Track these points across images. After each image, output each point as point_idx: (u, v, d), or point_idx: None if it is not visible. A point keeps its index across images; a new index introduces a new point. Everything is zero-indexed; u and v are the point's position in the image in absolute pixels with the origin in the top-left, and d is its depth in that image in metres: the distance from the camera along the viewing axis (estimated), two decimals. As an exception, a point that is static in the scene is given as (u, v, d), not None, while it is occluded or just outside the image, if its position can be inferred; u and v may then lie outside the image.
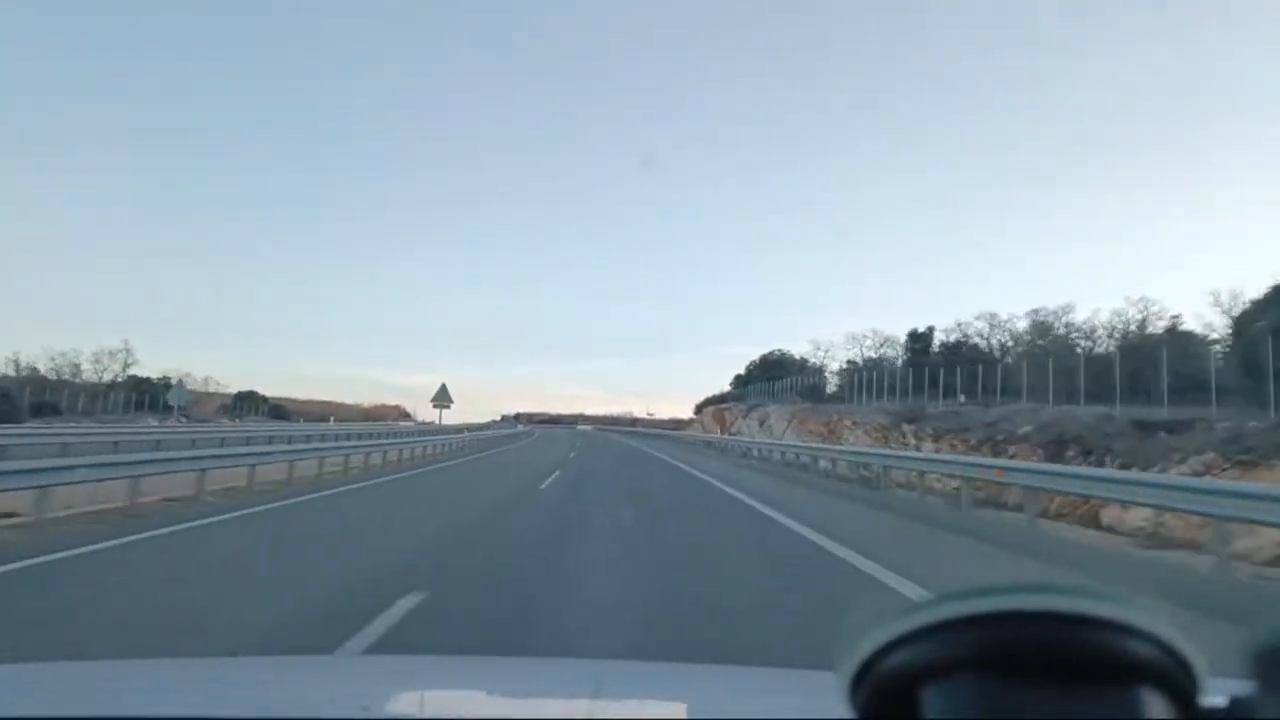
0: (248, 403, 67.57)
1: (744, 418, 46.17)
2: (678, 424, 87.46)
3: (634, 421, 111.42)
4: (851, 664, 0.51)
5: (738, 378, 68.07)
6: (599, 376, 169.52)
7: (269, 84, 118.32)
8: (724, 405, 56.78)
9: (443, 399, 36.92)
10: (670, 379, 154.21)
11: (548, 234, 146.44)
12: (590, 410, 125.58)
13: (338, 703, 1.33)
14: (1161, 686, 0.47)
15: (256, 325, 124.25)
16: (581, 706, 1.32)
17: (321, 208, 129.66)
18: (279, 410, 67.61)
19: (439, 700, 1.49)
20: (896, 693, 0.50)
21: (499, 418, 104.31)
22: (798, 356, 61.31)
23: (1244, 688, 0.50)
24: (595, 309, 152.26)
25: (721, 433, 48.93)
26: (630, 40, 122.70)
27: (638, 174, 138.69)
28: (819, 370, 53.21)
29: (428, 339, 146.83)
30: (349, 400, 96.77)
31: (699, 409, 69.55)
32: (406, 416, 79.58)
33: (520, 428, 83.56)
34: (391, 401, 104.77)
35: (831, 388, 47.40)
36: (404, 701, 1.43)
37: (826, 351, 54.02)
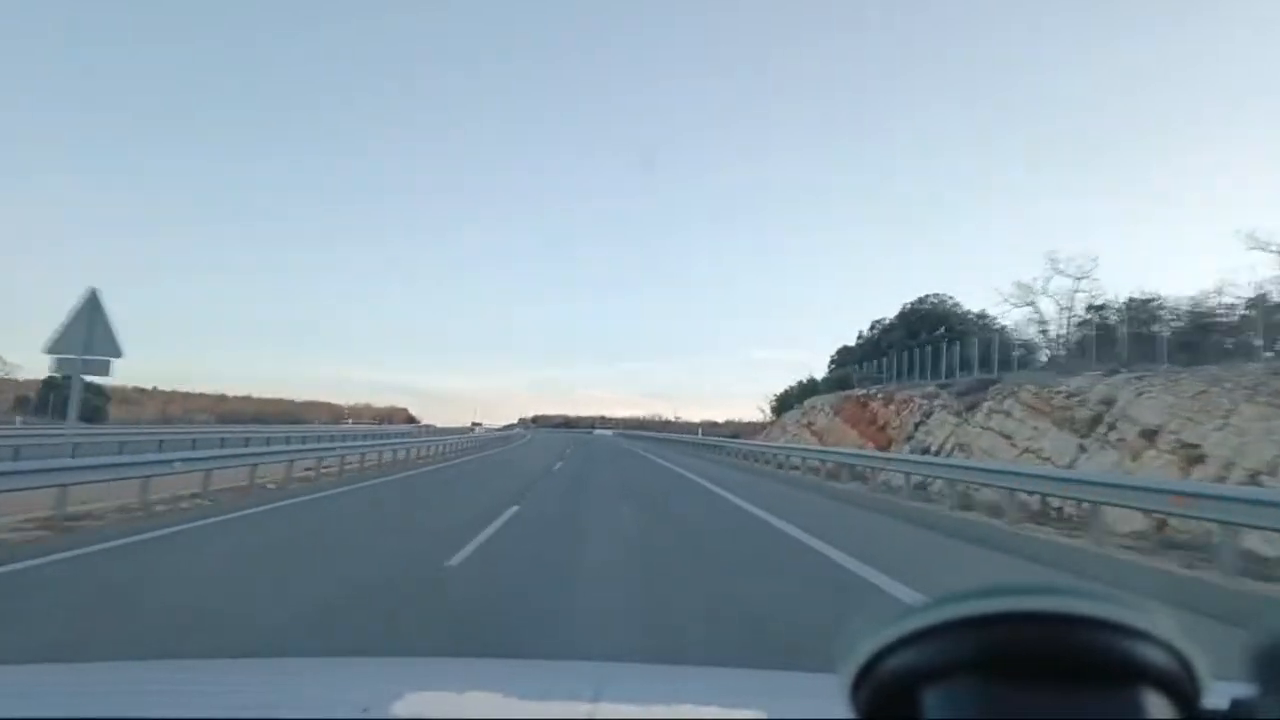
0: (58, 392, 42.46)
1: (961, 414, 19.46)
2: (715, 429, 62.31)
3: (665, 425, 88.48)
4: (853, 665, 0.51)
5: (844, 351, 41.75)
6: (627, 380, 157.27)
7: (264, 81, 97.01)
8: (857, 394, 29.86)
9: (74, 346, 10.96)
10: (702, 382, 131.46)
11: (569, 237, 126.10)
12: (619, 413, 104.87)
13: (337, 703, 1.31)
14: (1163, 688, 0.47)
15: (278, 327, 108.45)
16: (582, 708, 1.21)
17: (334, 205, 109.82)
18: (93, 407, 41.72)
19: (438, 701, 1.47)
20: (898, 694, 0.49)
21: (515, 421, 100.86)
22: (966, 309, 35.91)
23: (1245, 689, 0.49)
24: (624, 313, 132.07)
25: (875, 445, 22.77)
26: (636, 40, 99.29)
27: (661, 176, 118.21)
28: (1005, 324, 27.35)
29: (455, 343, 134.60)
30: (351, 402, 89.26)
31: (781, 405, 42.87)
32: (411, 420, 75.13)
33: (516, 430, 72.34)
34: (403, 403, 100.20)
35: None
36: (403, 702, 1.38)
37: (1073, 269, 26.66)
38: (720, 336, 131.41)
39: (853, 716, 0.52)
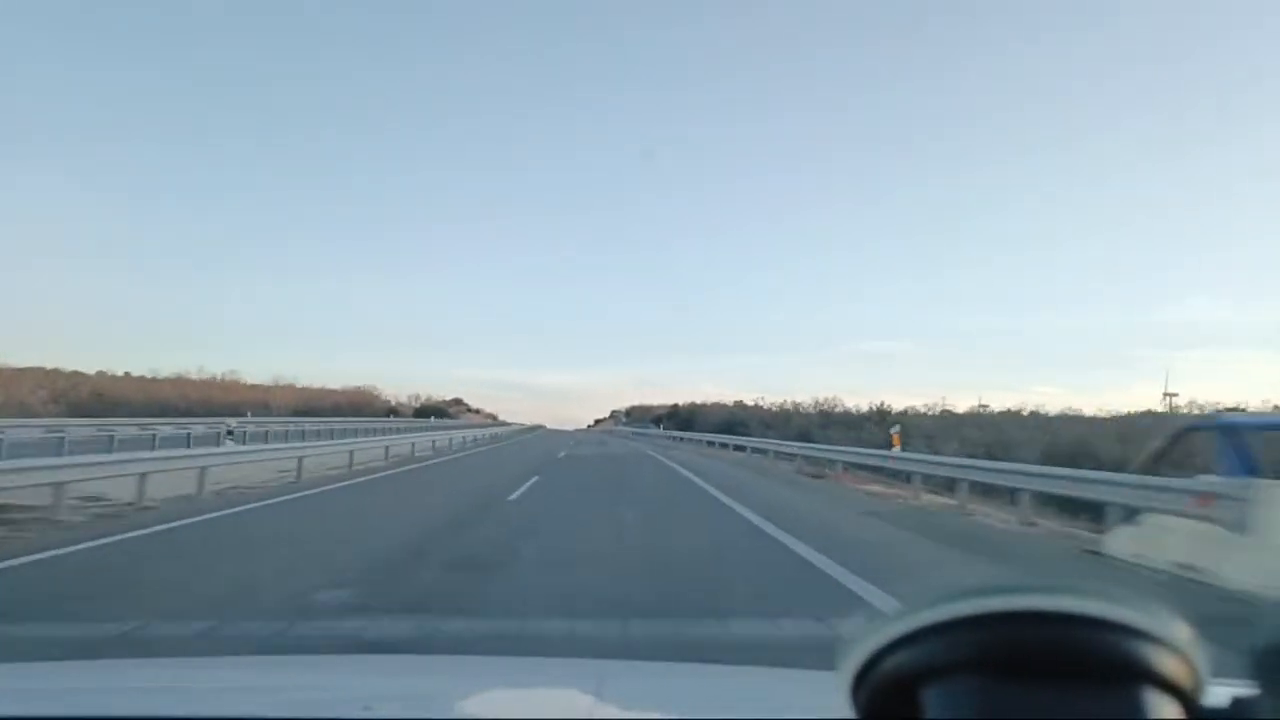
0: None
1: None
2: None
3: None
4: (853, 664, 0.51)
5: None
6: (733, 371, 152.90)
7: (256, 78, 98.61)
8: None
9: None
10: (810, 374, 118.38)
11: (671, 233, 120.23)
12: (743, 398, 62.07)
13: (338, 702, 1.31)
14: (1163, 687, 0.47)
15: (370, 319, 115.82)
16: (584, 706, 1.28)
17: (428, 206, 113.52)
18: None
19: (439, 700, 1.43)
20: (898, 693, 0.49)
21: (609, 413, 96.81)
22: None
23: (1245, 689, 0.50)
24: (731, 305, 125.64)
25: None
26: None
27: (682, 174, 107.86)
28: None
29: (559, 340, 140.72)
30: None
31: None
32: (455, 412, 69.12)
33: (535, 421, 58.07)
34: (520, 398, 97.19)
35: None
36: (404, 701, 1.38)
37: None
38: (824, 329, 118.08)
39: (853, 716, 0.52)
